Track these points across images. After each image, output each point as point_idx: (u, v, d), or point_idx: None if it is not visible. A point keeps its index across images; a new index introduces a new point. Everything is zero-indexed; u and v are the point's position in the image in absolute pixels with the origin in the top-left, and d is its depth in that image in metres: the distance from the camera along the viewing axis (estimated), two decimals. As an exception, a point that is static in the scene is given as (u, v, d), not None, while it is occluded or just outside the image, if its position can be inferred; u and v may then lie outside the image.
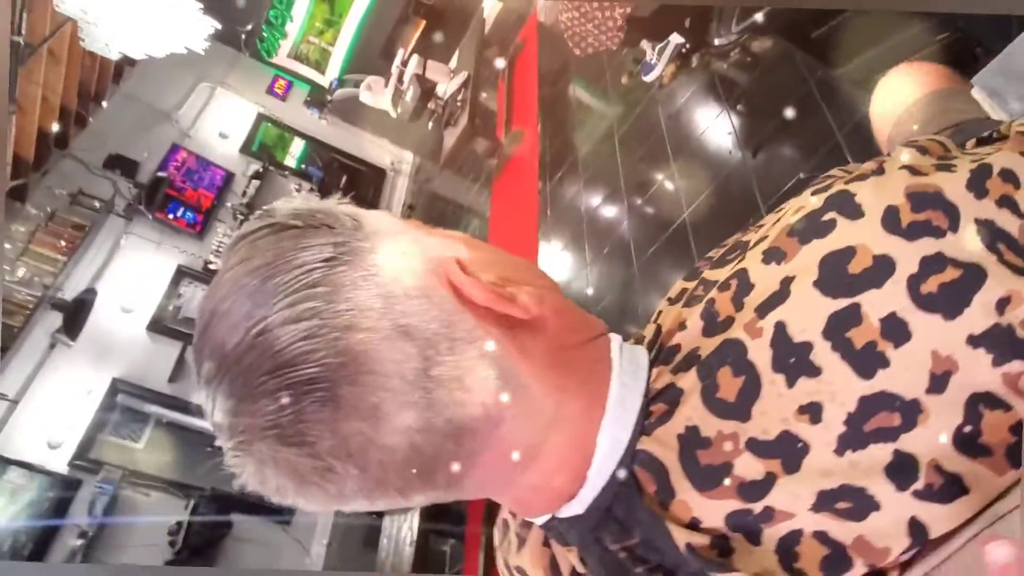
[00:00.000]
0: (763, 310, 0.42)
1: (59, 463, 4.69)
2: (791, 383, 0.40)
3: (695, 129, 3.18)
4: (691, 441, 0.42)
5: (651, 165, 3.45)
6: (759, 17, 2.79)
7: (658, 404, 0.44)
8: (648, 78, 3.57)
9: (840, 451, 0.38)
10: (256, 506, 5.00)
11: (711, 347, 0.44)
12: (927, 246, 0.39)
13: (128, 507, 4.79)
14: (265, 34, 6.94)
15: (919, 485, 0.37)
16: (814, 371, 0.39)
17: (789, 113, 2.48)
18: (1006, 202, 0.40)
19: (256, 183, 6.32)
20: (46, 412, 4.74)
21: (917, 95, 0.80)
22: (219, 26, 3.50)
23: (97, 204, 5.44)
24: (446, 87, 4.92)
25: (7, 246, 4.77)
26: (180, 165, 6.15)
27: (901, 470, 0.38)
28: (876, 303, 0.39)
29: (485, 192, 5.34)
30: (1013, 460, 0.37)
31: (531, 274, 0.49)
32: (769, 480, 0.39)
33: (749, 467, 0.40)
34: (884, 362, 0.38)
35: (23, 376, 4.74)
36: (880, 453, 0.38)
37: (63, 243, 5.21)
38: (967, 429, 0.37)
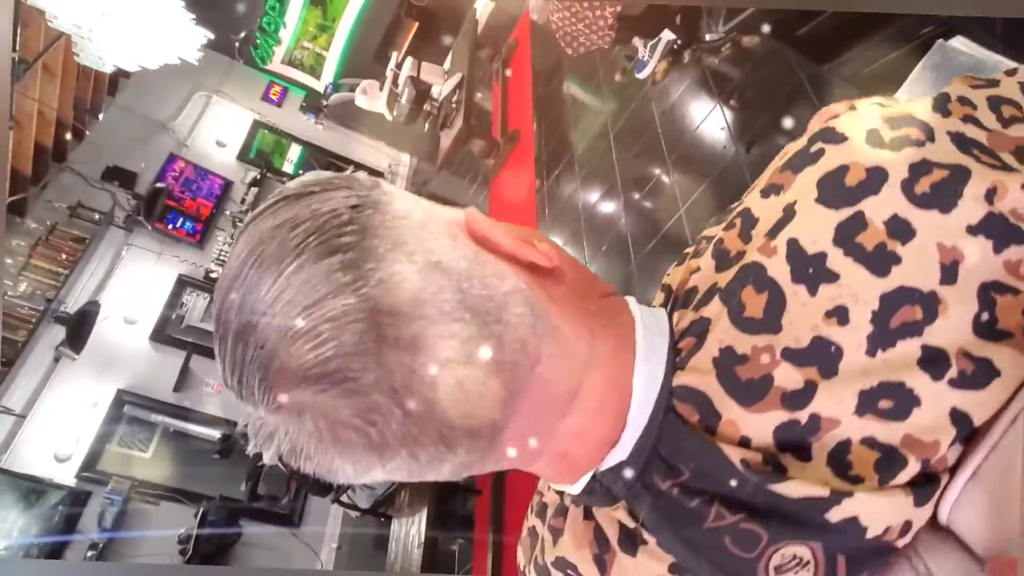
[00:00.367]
0: (773, 232, 0.44)
1: (67, 476, 4.72)
2: (813, 291, 0.41)
3: (689, 125, 3.19)
4: (727, 360, 0.42)
5: (647, 162, 3.45)
6: (746, 16, 2.79)
7: (686, 339, 0.45)
8: (641, 75, 3.58)
9: (872, 351, 0.40)
10: (265, 512, 5.03)
11: (728, 277, 0.45)
12: (912, 154, 0.42)
13: (137, 517, 4.82)
14: (259, 41, 6.94)
15: (952, 373, 0.39)
16: (833, 277, 0.41)
17: (782, 107, 2.49)
18: (969, 119, 0.44)
19: (254, 190, 6.32)
20: (53, 426, 4.76)
21: None
22: (212, 36, 3.50)
23: (96, 216, 5.45)
24: (441, 89, 4.93)
25: (8, 260, 4.79)
26: (178, 175, 6.16)
27: (933, 362, 0.39)
28: (877, 208, 0.41)
29: (483, 192, 5.35)
30: None
31: (541, 238, 0.50)
32: (810, 388, 0.40)
33: (788, 377, 0.41)
34: (896, 259, 0.40)
35: (29, 390, 4.76)
36: (910, 348, 0.39)
37: (64, 256, 5.23)
38: (984, 317, 0.39)
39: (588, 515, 0.49)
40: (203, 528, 4.66)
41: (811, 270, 0.41)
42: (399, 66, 5.05)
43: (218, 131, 6.65)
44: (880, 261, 0.40)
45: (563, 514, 0.52)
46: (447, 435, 0.40)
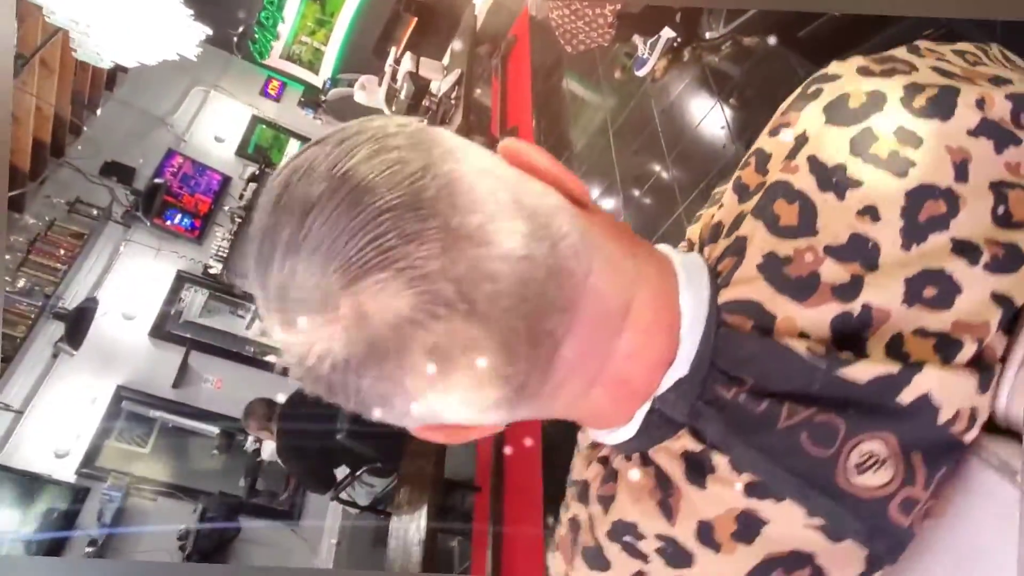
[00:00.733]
0: (791, 156, 0.46)
1: (66, 472, 4.72)
2: (840, 196, 0.43)
3: (689, 123, 3.19)
4: (773, 263, 0.44)
5: (646, 159, 3.45)
6: (746, 18, 2.79)
7: (724, 261, 0.47)
8: (641, 72, 3.58)
9: (907, 245, 0.41)
10: (264, 508, 5.04)
11: (753, 203, 0.47)
12: (903, 79, 0.46)
13: (136, 513, 4.83)
14: (257, 36, 6.93)
15: (986, 258, 0.40)
16: (856, 183, 0.43)
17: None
18: (942, 60, 0.48)
19: (253, 186, 6.30)
20: (51, 422, 4.77)
21: None
22: (210, 31, 3.49)
23: (95, 212, 5.44)
24: (440, 84, 4.92)
25: (6, 256, 4.78)
26: (176, 170, 6.15)
27: (965, 249, 0.41)
28: (883, 122, 0.44)
29: (482, 189, 5.33)
30: None
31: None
32: (857, 280, 0.41)
33: (834, 272, 0.42)
34: (911, 162, 0.42)
35: (27, 386, 4.77)
36: (941, 240, 0.41)
37: (62, 252, 5.22)
38: (1000, 210, 0.41)
39: (646, 461, 0.48)
40: (202, 524, 4.67)
41: (835, 179, 0.44)
42: (398, 61, 5.04)
43: (216, 126, 6.64)
44: (897, 165, 0.42)
45: (612, 479, 0.50)
46: (510, 341, 0.39)
